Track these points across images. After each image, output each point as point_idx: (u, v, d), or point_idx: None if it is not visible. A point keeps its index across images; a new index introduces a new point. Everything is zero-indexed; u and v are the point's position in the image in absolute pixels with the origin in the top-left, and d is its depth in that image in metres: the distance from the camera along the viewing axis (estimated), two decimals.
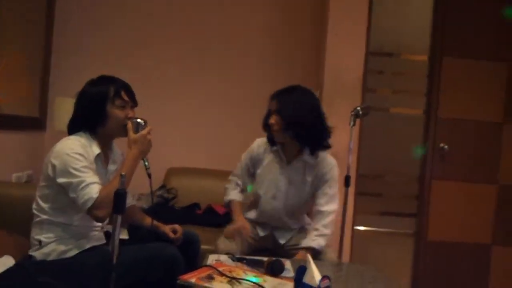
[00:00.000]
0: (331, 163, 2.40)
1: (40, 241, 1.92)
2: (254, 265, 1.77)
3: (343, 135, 2.93)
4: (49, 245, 1.90)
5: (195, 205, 3.26)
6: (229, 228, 2.34)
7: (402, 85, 3.31)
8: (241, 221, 2.36)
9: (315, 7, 3.51)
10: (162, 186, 3.32)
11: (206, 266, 1.70)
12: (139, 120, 1.97)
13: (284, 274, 1.71)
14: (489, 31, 3.21)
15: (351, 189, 3.01)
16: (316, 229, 2.32)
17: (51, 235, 1.92)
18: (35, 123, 3.30)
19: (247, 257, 1.89)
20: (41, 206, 1.94)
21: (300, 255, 2.22)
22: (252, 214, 2.49)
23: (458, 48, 3.22)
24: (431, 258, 3.25)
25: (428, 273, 3.26)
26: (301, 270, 1.42)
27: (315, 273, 1.37)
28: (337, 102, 3.11)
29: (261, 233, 2.47)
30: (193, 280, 1.51)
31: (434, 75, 3.23)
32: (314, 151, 2.34)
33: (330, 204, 2.37)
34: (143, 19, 3.55)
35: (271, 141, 2.40)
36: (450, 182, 3.24)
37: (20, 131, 3.13)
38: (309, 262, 1.44)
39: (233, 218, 2.39)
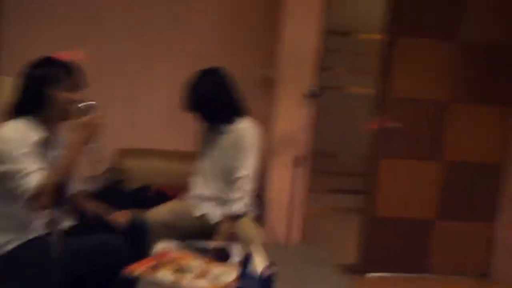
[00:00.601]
0: (243, 127, 2.51)
1: None
2: (202, 252, 1.77)
3: (298, 114, 2.97)
4: None
5: (146, 188, 3.20)
6: None
7: (357, 64, 3.34)
8: None
9: None
10: (111, 168, 3.24)
11: (151, 257, 1.68)
12: (87, 102, 1.87)
13: (231, 260, 1.71)
14: (440, 9, 3.23)
15: (305, 168, 3.07)
16: (231, 198, 2.43)
17: None
18: None
19: (196, 244, 1.89)
20: None
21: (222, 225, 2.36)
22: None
23: (411, 27, 3.24)
24: (378, 234, 3.36)
25: (375, 248, 3.38)
26: (247, 259, 1.43)
27: (258, 262, 1.37)
28: (293, 81, 3.11)
29: (196, 213, 2.54)
30: (137, 272, 1.49)
31: (386, 54, 3.26)
32: (228, 118, 2.51)
33: (242, 170, 2.45)
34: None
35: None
36: (398, 160, 3.33)
37: None
38: (255, 249, 1.44)
39: None
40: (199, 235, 2.45)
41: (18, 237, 1.86)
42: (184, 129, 3.05)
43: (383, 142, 3.29)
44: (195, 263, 1.62)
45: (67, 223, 2.00)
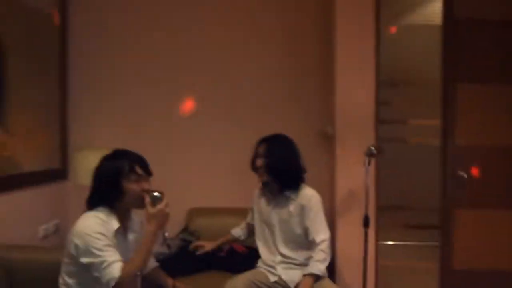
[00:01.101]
0: (308, 194, 2.64)
1: None
2: None
3: (359, 173, 2.95)
4: None
5: (218, 247, 3.28)
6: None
7: (416, 112, 3.29)
8: (209, 242, 2.91)
9: (322, 48, 3.49)
10: (185, 229, 3.37)
11: None
12: (155, 193, 2.03)
13: None
14: (498, 54, 3.16)
15: (372, 225, 3.03)
16: (312, 257, 2.53)
17: None
18: (57, 174, 3.40)
19: None
20: (67, 282, 2.02)
21: (304, 284, 2.44)
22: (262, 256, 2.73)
23: (470, 73, 3.17)
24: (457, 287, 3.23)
25: None
26: None
27: None
28: (351, 138, 3.11)
29: (272, 278, 2.62)
30: None
31: (448, 102, 3.20)
32: (293, 186, 2.64)
33: (319, 234, 2.57)
34: (159, 64, 3.60)
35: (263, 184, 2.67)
36: (472, 210, 3.20)
37: (44, 185, 3.22)
38: None
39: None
40: None
41: None
42: (252, 187, 3.15)
43: (456, 192, 3.20)
44: None
45: None
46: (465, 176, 3.17)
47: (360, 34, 3.13)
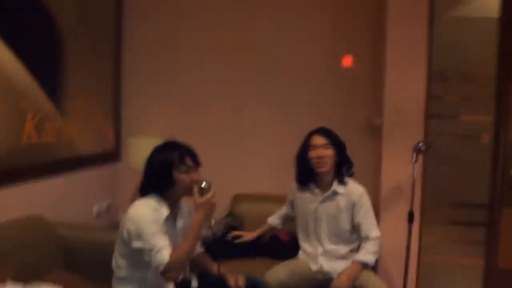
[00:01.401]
0: (360, 190, 2.68)
1: None
2: None
3: (406, 167, 2.93)
4: None
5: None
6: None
7: (468, 108, 3.23)
8: (250, 232, 3.00)
9: (372, 39, 3.44)
10: (229, 214, 3.47)
11: None
12: (204, 184, 2.11)
13: None
14: None
15: (417, 220, 3.02)
16: (364, 248, 2.62)
17: None
18: (110, 157, 3.56)
19: None
20: (119, 263, 2.16)
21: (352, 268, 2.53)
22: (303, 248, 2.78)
23: None
24: (501, 286, 3.19)
25: None
26: None
27: None
28: (398, 132, 3.08)
29: (314, 267, 2.68)
30: None
31: (502, 98, 3.11)
32: (342, 180, 2.68)
33: (372, 231, 2.65)
34: (213, 55, 3.66)
35: (303, 179, 2.73)
36: None
37: (98, 167, 3.40)
38: None
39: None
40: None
41: None
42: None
43: (505, 189, 3.13)
44: None
45: (193, 282, 2.25)
46: None
47: (413, 26, 3.06)
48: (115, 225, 3.27)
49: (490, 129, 3.18)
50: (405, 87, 3.09)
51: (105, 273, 2.25)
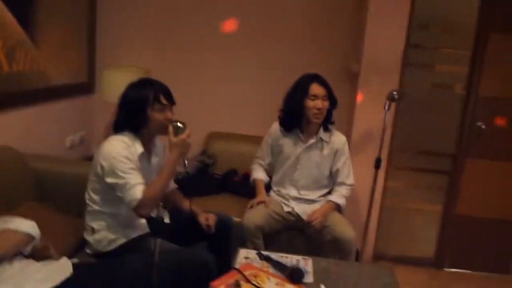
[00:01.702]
0: (343, 139, 2.77)
1: (92, 228, 2.19)
2: (279, 268, 1.97)
3: (378, 114, 2.99)
4: (100, 232, 2.18)
5: (233, 172, 3.43)
6: (252, 201, 2.76)
7: (444, 60, 3.25)
8: (263, 196, 2.79)
9: None
10: (203, 152, 3.51)
11: (235, 269, 1.91)
12: (179, 124, 2.12)
13: (305, 280, 1.90)
14: None
15: (384, 166, 3.13)
16: (338, 191, 2.76)
17: (102, 223, 2.18)
18: (84, 89, 3.50)
19: (273, 256, 2.09)
20: (92, 198, 2.19)
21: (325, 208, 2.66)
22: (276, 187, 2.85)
23: (505, 23, 3.08)
24: (459, 231, 3.38)
25: (455, 245, 3.41)
26: None
27: None
28: (374, 80, 3.11)
29: (286, 209, 2.76)
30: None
31: (478, 50, 3.14)
32: (327, 127, 2.73)
33: (349, 179, 2.78)
34: None
35: (290, 124, 2.72)
36: (483, 160, 3.26)
37: (71, 98, 3.34)
38: None
39: (256, 194, 2.81)
40: (287, 230, 2.78)
41: (124, 234, 2.18)
42: (266, 118, 3.24)
43: (472, 141, 3.24)
44: (270, 283, 1.82)
45: (165, 218, 2.31)
46: (483, 127, 3.19)
47: None
48: (88, 158, 3.30)
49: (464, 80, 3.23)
50: (385, 35, 3.08)
51: (77, 205, 2.29)
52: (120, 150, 2.07)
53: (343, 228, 2.60)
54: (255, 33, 3.56)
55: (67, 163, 2.85)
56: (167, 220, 2.32)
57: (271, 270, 1.98)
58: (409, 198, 3.43)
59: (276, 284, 1.84)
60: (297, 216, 2.75)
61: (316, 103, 2.60)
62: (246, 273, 1.88)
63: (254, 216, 2.63)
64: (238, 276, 1.85)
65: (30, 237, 1.75)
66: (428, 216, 3.44)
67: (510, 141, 3.23)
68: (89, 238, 2.20)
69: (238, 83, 3.64)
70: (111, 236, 2.17)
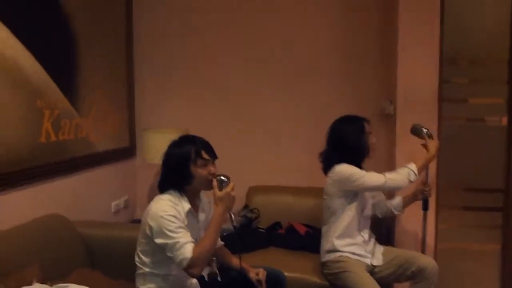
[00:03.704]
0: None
1: None
2: None
3: (420, 153, 2.94)
4: None
5: (277, 224, 3.38)
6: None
7: (481, 91, 3.20)
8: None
9: (383, 22, 3.43)
10: (245, 206, 3.49)
11: None
12: (222, 177, 2.13)
13: None
14: None
15: (432, 207, 3.02)
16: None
17: (153, 285, 2.17)
18: (126, 153, 3.59)
19: None
20: (142, 260, 2.18)
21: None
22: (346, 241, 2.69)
23: None
24: None
25: None
26: None
27: None
28: (412, 118, 3.06)
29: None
30: None
31: None
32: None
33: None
34: (226, 45, 3.67)
35: (359, 165, 2.66)
36: None
37: (114, 163, 3.42)
38: None
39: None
40: None
41: None
42: (307, 166, 3.23)
43: None
44: None
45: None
46: None
47: (425, 7, 3.04)
48: (133, 221, 3.32)
49: (500, 112, 3.15)
50: (417, 70, 3.06)
51: (128, 270, 2.29)
52: (167, 209, 2.08)
53: (426, 258, 2.60)
54: (292, 84, 3.61)
55: (114, 226, 2.89)
56: (218, 278, 2.28)
57: None
58: (464, 239, 3.27)
59: None
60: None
61: (373, 140, 2.70)
62: None
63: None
64: None
65: None
66: (487, 256, 3.26)
67: None
68: None
69: (274, 135, 3.66)
70: None
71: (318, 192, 2.94)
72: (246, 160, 3.66)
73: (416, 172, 2.59)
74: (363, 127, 2.66)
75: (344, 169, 2.60)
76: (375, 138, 2.70)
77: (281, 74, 3.62)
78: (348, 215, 2.65)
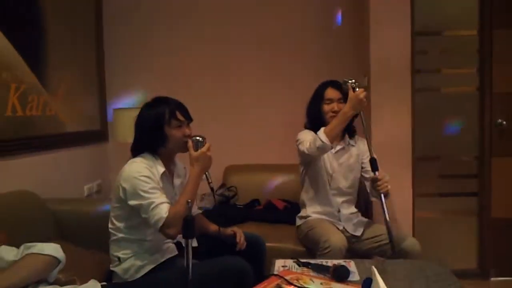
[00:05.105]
0: (363, 139, 2.63)
1: (119, 258, 2.09)
2: (320, 270, 1.85)
3: (394, 120, 2.96)
4: (127, 260, 2.07)
5: (255, 201, 3.36)
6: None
7: (452, 63, 3.24)
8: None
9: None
10: (222, 185, 3.45)
11: (274, 275, 1.79)
12: (198, 137, 2.08)
13: (350, 278, 1.77)
14: None
15: (409, 173, 3.04)
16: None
17: (128, 251, 2.08)
18: (98, 136, 3.50)
19: (312, 261, 1.97)
20: (116, 226, 2.11)
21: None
22: (317, 209, 2.66)
23: (507, 19, 3.10)
24: (496, 235, 3.21)
25: (496, 252, 3.23)
26: (367, 283, 1.48)
27: (381, 285, 1.42)
28: (385, 89, 3.08)
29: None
30: None
31: (485, 49, 3.14)
32: (351, 132, 2.68)
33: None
34: (195, 24, 3.64)
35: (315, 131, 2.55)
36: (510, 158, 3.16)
37: (86, 145, 3.33)
38: (374, 273, 1.49)
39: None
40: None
41: (152, 260, 2.07)
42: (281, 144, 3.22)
43: (493, 140, 3.16)
44: (316, 282, 1.70)
45: (193, 243, 2.21)
46: (504, 123, 3.13)
47: None
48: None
49: (472, 81, 3.21)
50: (390, 44, 3.08)
51: (99, 242, 2.23)
52: (141, 170, 2.01)
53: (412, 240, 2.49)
54: (265, 60, 3.61)
55: (85, 202, 2.81)
56: (194, 244, 2.22)
57: (312, 273, 1.86)
58: (441, 207, 3.29)
59: (321, 284, 1.72)
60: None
61: (331, 107, 2.59)
62: (287, 277, 1.75)
63: (338, 239, 2.38)
64: (279, 281, 1.73)
65: (54, 260, 1.67)
66: (464, 225, 3.28)
67: None
68: (116, 268, 2.09)
69: (249, 114, 3.65)
70: (139, 262, 2.06)
71: (294, 168, 2.95)
72: (222, 140, 3.59)
73: (322, 138, 2.38)
74: (322, 94, 2.63)
75: (298, 135, 2.59)
76: (339, 106, 2.56)
77: (255, 51, 3.61)
78: (313, 183, 2.66)
